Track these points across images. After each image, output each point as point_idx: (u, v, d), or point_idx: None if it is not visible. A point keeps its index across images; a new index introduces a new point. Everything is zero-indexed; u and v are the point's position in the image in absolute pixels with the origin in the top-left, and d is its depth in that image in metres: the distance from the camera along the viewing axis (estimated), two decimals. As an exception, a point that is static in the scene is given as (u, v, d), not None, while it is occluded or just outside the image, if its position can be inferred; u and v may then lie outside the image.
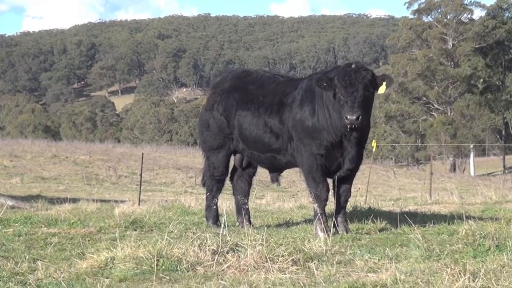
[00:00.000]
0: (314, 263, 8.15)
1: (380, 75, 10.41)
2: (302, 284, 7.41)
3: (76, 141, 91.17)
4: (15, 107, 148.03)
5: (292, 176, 40.70)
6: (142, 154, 28.96)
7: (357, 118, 9.77)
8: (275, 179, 11.92)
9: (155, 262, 7.98)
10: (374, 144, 26.49)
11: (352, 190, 11.24)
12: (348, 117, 9.79)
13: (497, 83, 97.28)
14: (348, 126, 9.90)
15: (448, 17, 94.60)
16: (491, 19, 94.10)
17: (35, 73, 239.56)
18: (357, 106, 9.86)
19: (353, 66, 10.26)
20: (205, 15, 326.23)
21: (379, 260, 8.30)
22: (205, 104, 12.04)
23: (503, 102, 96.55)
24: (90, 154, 57.98)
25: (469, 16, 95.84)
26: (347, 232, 10.63)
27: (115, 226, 11.22)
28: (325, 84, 10.27)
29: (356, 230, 10.97)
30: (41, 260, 8.49)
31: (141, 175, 27.01)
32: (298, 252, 8.50)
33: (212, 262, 8.15)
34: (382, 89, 10.29)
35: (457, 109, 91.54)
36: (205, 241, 8.53)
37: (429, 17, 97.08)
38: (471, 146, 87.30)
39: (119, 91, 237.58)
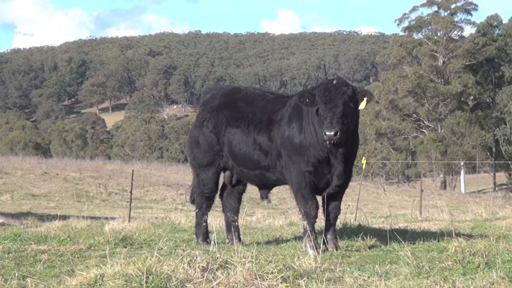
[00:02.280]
0: (304, 280, 8.13)
1: (361, 91, 10.43)
2: (291, 301, 7.41)
3: (66, 158, 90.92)
4: (6, 124, 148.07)
5: (283, 193, 40.69)
6: (133, 171, 28.88)
7: (335, 134, 9.81)
8: (265, 196, 11.92)
9: (145, 279, 7.94)
10: (364, 161, 26.58)
11: (342, 207, 11.26)
12: (327, 133, 9.83)
13: (488, 100, 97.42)
14: (327, 142, 9.94)
15: (439, 34, 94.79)
16: (481, 37, 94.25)
17: (25, 90, 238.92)
18: (335, 122, 9.89)
19: (334, 82, 10.29)
20: (195, 32, 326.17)
21: (368, 277, 8.28)
22: (195, 121, 12.05)
23: (494, 119, 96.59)
24: (80, 171, 57.82)
25: (459, 33, 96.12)
26: (336, 249, 10.63)
27: (105, 243, 11.19)
28: (307, 100, 10.31)
29: (346, 247, 10.98)
30: (30, 277, 8.46)
31: (131, 192, 26.94)
32: (288, 269, 8.48)
33: (201, 279, 8.11)
34: (362, 105, 10.29)
35: (448, 126, 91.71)
36: (195, 258, 8.50)
37: (419, 34, 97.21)
38: (462, 163, 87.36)
39: (110, 108, 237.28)
